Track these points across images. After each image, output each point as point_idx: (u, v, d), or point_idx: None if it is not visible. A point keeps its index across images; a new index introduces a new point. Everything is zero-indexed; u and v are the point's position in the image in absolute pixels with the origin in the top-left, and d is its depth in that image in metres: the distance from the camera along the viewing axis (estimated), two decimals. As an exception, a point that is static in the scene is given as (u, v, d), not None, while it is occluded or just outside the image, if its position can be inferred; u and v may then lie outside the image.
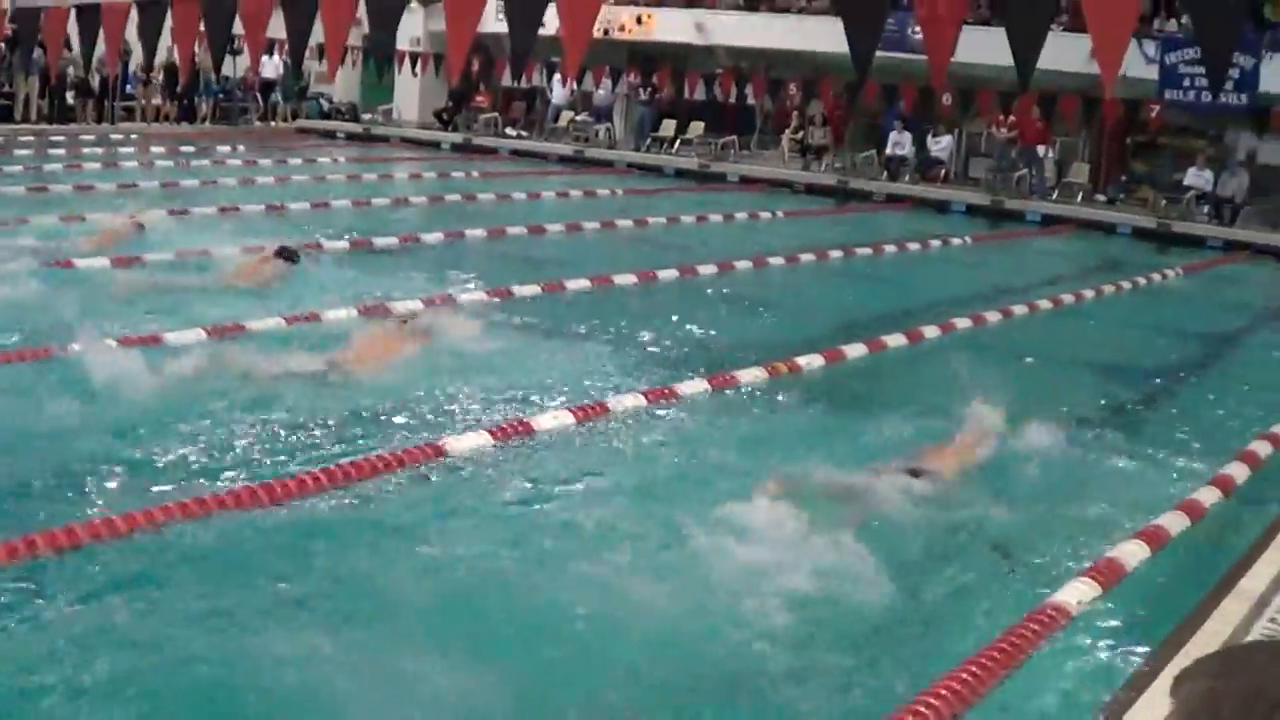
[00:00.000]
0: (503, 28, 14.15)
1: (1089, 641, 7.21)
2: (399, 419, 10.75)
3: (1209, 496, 9.88)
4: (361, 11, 12.89)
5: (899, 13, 29.96)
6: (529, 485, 9.42)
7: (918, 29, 29.97)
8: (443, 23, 36.51)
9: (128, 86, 38.90)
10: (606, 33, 37.37)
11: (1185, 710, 1.30)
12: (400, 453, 9.52)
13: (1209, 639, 6.54)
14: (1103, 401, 13.73)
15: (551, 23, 11.83)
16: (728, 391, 12.40)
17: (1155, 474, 11.05)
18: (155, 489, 8.56)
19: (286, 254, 16.05)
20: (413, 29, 39.85)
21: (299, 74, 41.33)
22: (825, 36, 33.60)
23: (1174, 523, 9.05)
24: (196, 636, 6.66)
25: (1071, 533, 9.21)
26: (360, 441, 10.01)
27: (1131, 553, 8.23)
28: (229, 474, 9.03)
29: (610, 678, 6.69)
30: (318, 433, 10.20)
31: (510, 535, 8.37)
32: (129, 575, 7.32)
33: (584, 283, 17.54)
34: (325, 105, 43.99)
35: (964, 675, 6.29)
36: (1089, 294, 20.83)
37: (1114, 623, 7.46)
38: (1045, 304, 19.27)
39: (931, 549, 8.81)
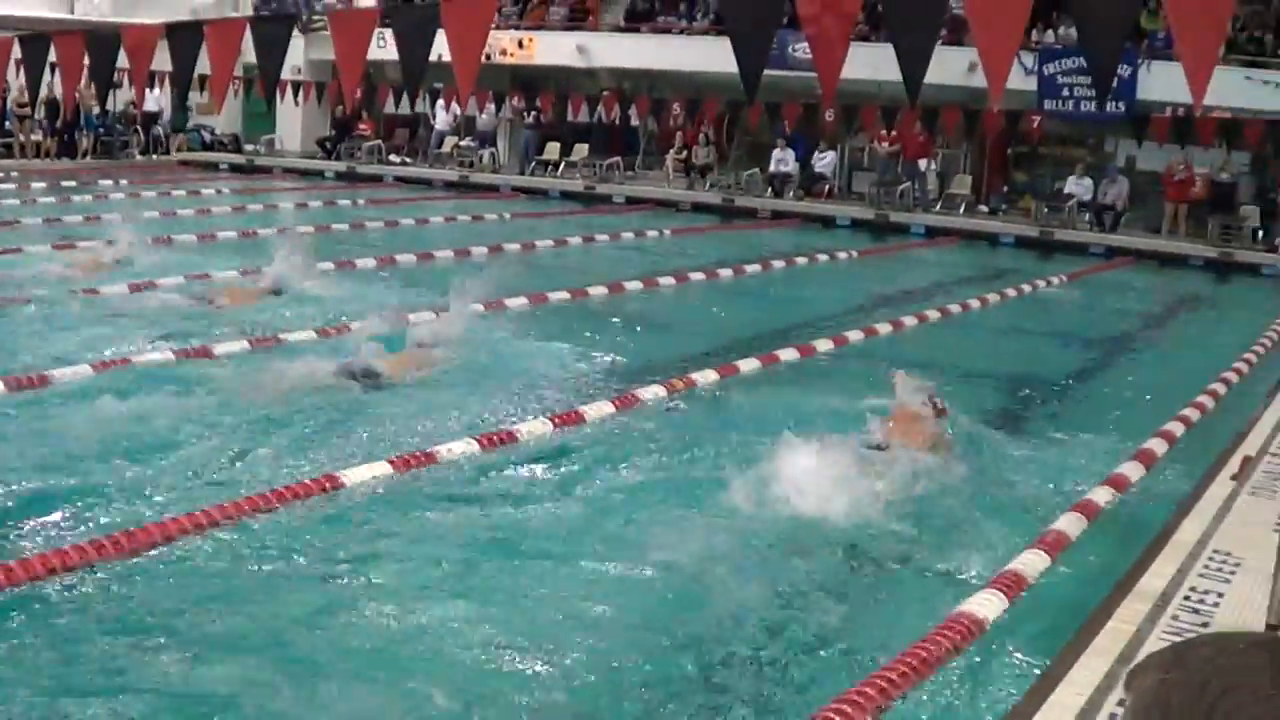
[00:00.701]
0: (385, 55, 14.12)
1: (994, 647, 7.32)
2: (290, 452, 10.65)
3: (1103, 496, 10.06)
4: (244, 41, 12.87)
5: (781, 30, 30.19)
6: (432, 517, 9.39)
7: (798, 47, 30.37)
8: (324, 51, 36.37)
9: (5, 123, 38.39)
10: (489, 57, 37.38)
11: (1138, 703, 1.37)
12: (294, 485, 9.41)
13: (1112, 639, 6.66)
14: (993, 408, 13.92)
15: (435, 48, 11.82)
16: (631, 411, 12.46)
17: (1051, 477, 11.23)
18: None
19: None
20: (294, 58, 39.63)
21: (184, 106, 41.00)
22: (707, 56, 33.98)
23: (1071, 525, 9.21)
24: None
25: (975, 540, 9.37)
26: (241, 479, 9.91)
27: (1032, 561, 8.37)
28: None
29: (538, 691, 6.73)
30: (187, 474, 10.07)
31: (396, 572, 8.33)
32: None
33: (476, 308, 17.51)
34: (207, 137, 43.57)
35: (869, 687, 6.37)
36: (975, 304, 21.10)
37: (1019, 628, 7.58)
38: (934, 314, 19.50)
39: (823, 561, 8.93)
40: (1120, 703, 1.40)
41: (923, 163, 36.38)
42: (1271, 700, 1.26)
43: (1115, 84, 27.50)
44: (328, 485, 9.47)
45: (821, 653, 7.53)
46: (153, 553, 8.09)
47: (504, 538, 8.92)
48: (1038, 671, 6.69)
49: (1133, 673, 1.40)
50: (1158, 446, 11.79)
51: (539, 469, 10.64)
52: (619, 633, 7.47)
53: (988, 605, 7.54)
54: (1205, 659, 1.35)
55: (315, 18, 37.52)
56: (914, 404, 11.66)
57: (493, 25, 14.63)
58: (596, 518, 9.45)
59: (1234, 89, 30.07)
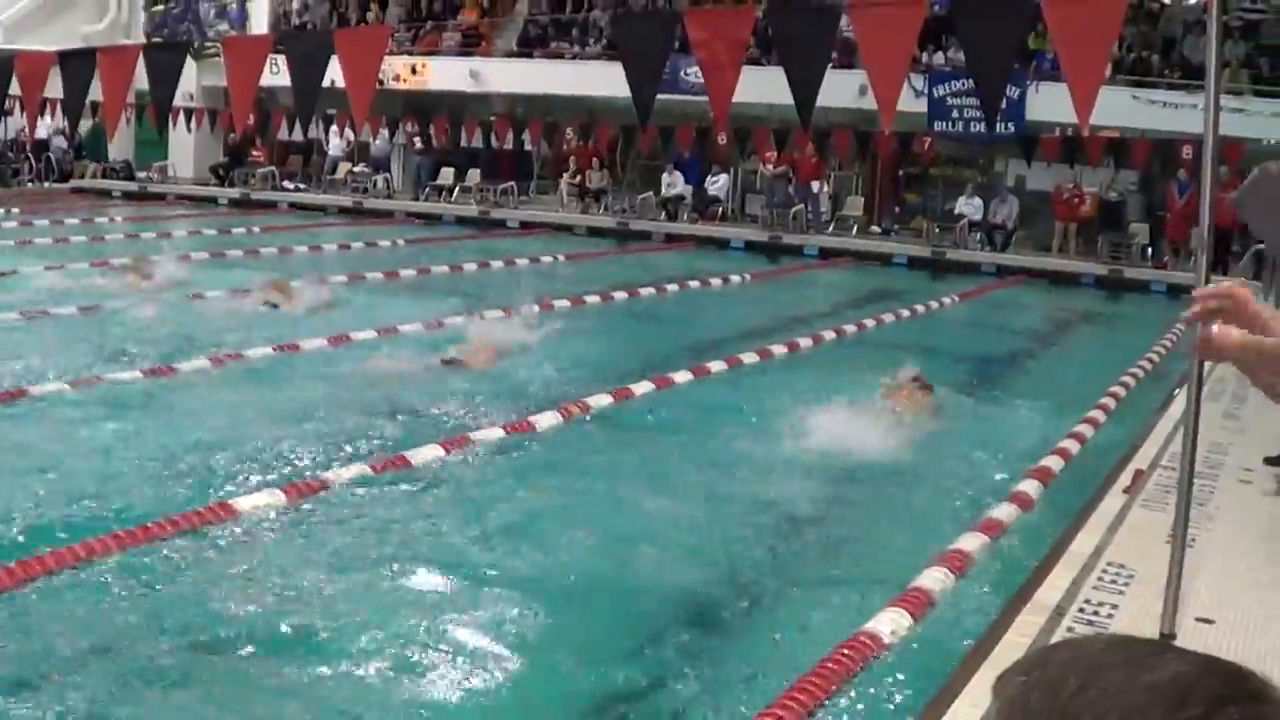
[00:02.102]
0: (278, 81, 14.11)
1: (895, 663, 7.40)
2: (168, 482, 10.58)
3: (1007, 513, 10.20)
4: (137, 68, 12.80)
5: (673, 55, 30.35)
6: (323, 545, 9.36)
7: (690, 70, 30.53)
8: (217, 78, 36.16)
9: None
10: (382, 83, 37.28)
11: (1001, 705, 1.44)
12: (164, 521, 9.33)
13: (1008, 651, 6.76)
14: (891, 433, 14.00)
15: (328, 74, 11.81)
16: (524, 436, 12.48)
17: (952, 494, 11.38)
18: None
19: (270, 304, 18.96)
20: (186, 84, 39.36)
21: (76, 133, 40.58)
22: (600, 80, 34.10)
23: (973, 543, 9.34)
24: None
25: (877, 560, 9.49)
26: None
27: (937, 579, 8.48)
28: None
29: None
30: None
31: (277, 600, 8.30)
32: None
33: (369, 334, 17.49)
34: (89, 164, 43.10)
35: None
36: (870, 323, 21.27)
37: (916, 643, 7.67)
38: (829, 335, 19.64)
39: (719, 578, 9.03)
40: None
41: (815, 185, 36.60)
42: (1122, 693, 1.33)
43: (1004, 105, 27.93)
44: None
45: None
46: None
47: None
48: (936, 687, 6.78)
49: (999, 678, 1.46)
50: (1054, 463, 11.96)
51: (417, 496, 10.63)
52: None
53: (892, 624, 7.64)
54: (1064, 660, 1.41)
55: (208, 44, 37.29)
56: (908, 380, 14.51)
57: (386, 51, 14.66)
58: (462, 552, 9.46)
59: (1121, 109, 30.66)
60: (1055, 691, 1.36)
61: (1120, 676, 1.35)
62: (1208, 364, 7.88)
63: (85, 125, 39.02)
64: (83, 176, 42.17)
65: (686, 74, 30.80)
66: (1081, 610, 7.61)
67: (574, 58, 40.39)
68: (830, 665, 6.98)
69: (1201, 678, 1.34)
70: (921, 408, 14.21)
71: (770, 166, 36.40)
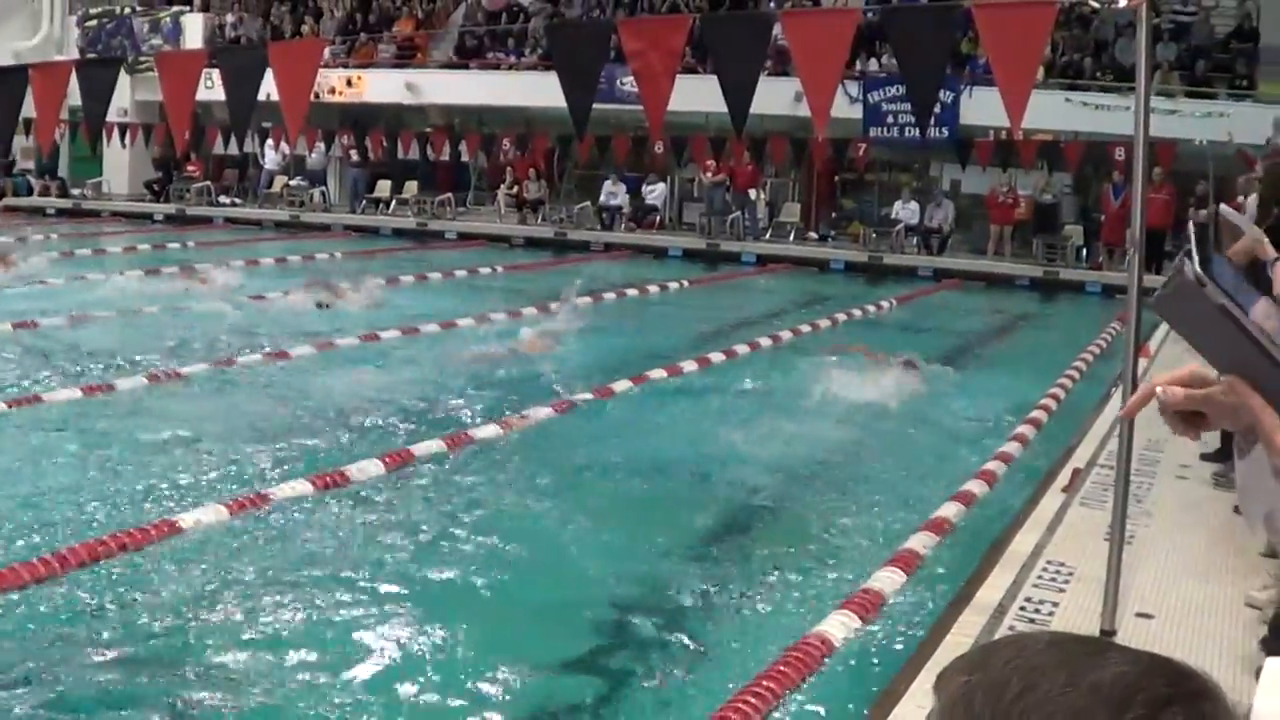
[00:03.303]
0: (213, 95, 14.04)
1: (842, 666, 7.45)
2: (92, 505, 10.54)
3: (952, 511, 10.28)
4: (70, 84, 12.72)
5: (609, 65, 30.35)
6: (268, 555, 9.35)
7: (626, 80, 30.53)
8: (151, 93, 35.89)
9: None
10: (318, 96, 37.16)
11: (944, 705, 1.46)
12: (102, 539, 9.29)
13: (951, 652, 6.79)
14: (837, 435, 14.07)
15: (263, 87, 11.77)
16: (463, 450, 12.49)
17: (898, 491, 11.49)
18: None
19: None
20: (120, 100, 39.10)
21: (7, 150, 40.25)
22: (536, 91, 34.06)
23: (921, 542, 9.42)
24: None
25: (826, 564, 9.55)
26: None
27: (888, 579, 8.55)
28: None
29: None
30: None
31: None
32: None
33: (307, 349, 17.44)
34: (33, 181, 42.81)
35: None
36: (806, 329, 21.35)
37: (862, 645, 7.72)
38: (765, 342, 19.70)
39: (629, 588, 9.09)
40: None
41: (752, 192, 36.69)
42: (1065, 695, 1.35)
43: (938, 110, 28.05)
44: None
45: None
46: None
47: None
48: (879, 688, 6.83)
49: (940, 676, 1.47)
50: (996, 466, 12.05)
51: (354, 509, 10.62)
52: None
53: (842, 627, 7.69)
54: (1006, 660, 1.42)
55: (142, 59, 37.05)
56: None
57: (321, 64, 14.64)
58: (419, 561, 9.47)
59: (1054, 112, 30.91)
60: (999, 694, 1.37)
61: (1064, 677, 1.36)
62: (1143, 362, 7.97)
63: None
64: (16, 195, 41.86)
65: (622, 83, 30.78)
66: (1023, 609, 7.69)
67: (510, 68, 40.36)
68: (781, 668, 7.03)
69: (1144, 677, 1.36)
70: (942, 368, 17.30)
71: (709, 175, 36.47)
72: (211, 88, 13.61)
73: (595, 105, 10.46)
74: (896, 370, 16.69)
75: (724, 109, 9.49)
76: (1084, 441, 12.51)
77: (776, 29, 11.25)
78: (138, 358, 16.39)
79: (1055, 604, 7.78)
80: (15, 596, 8.10)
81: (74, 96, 13.18)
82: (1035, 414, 14.51)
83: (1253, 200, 13.13)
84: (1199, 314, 1.70)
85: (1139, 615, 7.59)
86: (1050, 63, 33.20)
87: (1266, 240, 8.22)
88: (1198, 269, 1.71)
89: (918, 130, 32.12)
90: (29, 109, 13.24)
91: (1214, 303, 1.68)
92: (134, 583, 8.58)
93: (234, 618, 8.08)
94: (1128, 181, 29.65)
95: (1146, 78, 7.04)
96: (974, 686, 1.41)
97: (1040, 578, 8.27)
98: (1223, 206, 14.12)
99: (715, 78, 9.61)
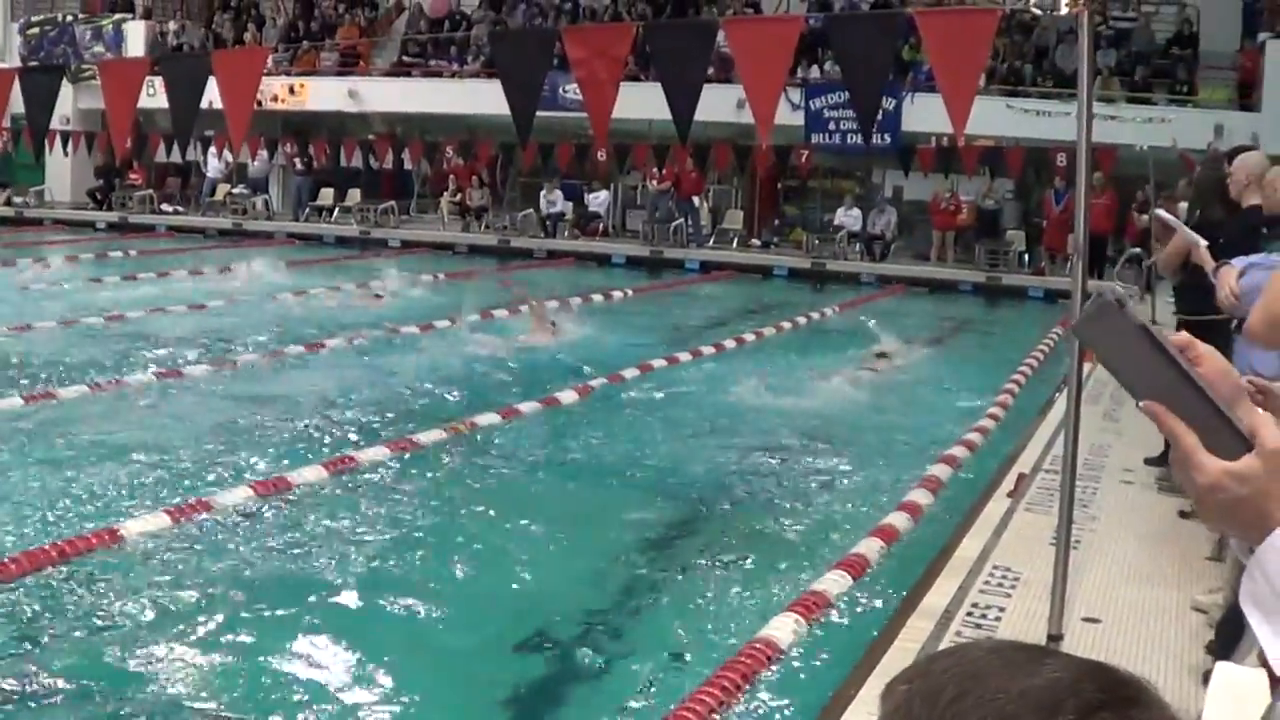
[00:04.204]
0: (156, 103, 13.93)
1: (789, 670, 7.45)
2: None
3: (900, 521, 10.31)
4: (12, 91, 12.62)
5: (551, 72, 30.32)
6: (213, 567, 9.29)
7: (569, 88, 30.55)
8: (93, 100, 35.63)
9: None
10: (260, 103, 37.02)
11: (886, 713, 1.47)
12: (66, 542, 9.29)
13: (899, 658, 6.82)
14: (778, 441, 14.09)
15: (206, 95, 11.71)
16: (408, 455, 12.48)
17: (850, 498, 11.54)
18: None
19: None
20: (63, 107, 38.80)
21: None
22: (479, 98, 34.04)
23: (870, 548, 9.44)
24: None
25: (773, 568, 9.58)
26: None
27: (834, 581, 8.58)
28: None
29: None
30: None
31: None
32: None
33: (253, 357, 17.40)
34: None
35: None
36: (750, 337, 21.40)
37: (810, 651, 7.73)
38: (708, 349, 19.73)
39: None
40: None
41: (695, 199, 36.76)
42: (995, 701, 1.36)
43: (880, 117, 28.14)
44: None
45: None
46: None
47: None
48: (826, 692, 6.84)
49: (887, 686, 1.49)
50: (941, 471, 12.09)
51: (312, 513, 10.59)
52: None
53: (786, 629, 7.71)
54: (945, 668, 1.43)
55: (84, 67, 36.80)
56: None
57: (264, 72, 14.59)
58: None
59: (996, 118, 31.08)
60: (934, 699, 1.39)
61: (997, 683, 1.37)
62: (1086, 366, 8.00)
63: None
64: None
65: (565, 90, 30.76)
66: (969, 614, 7.70)
67: (453, 76, 40.30)
68: (728, 673, 7.03)
69: (1077, 683, 1.36)
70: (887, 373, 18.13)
71: (655, 183, 36.53)
72: (154, 95, 13.54)
73: (539, 112, 10.45)
74: (842, 376, 16.76)
75: (668, 116, 9.50)
76: (1028, 446, 12.56)
77: (720, 36, 11.28)
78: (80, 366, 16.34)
79: (1002, 609, 7.80)
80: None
81: (16, 104, 13.10)
82: (980, 420, 14.58)
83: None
84: (1120, 336, 1.70)
85: (1085, 620, 7.62)
86: (991, 69, 33.35)
87: (1204, 245, 8.28)
88: (1118, 291, 1.72)
89: (860, 137, 32.24)
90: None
91: (1134, 323, 1.68)
92: (75, 592, 8.53)
93: (169, 629, 8.04)
94: (1069, 187, 29.90)
95: (1089, 83, 7.07)
96: (913, 693, 1.42)
97: (987, 583, 8.29)
98: (1158, 210, 14.28)
99: (658, 85, 9.60)
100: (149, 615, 8.21)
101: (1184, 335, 1.80)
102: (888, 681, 1.48)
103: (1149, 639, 7.43)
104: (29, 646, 7.67)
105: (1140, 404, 1.73)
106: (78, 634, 7.92)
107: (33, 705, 6.95)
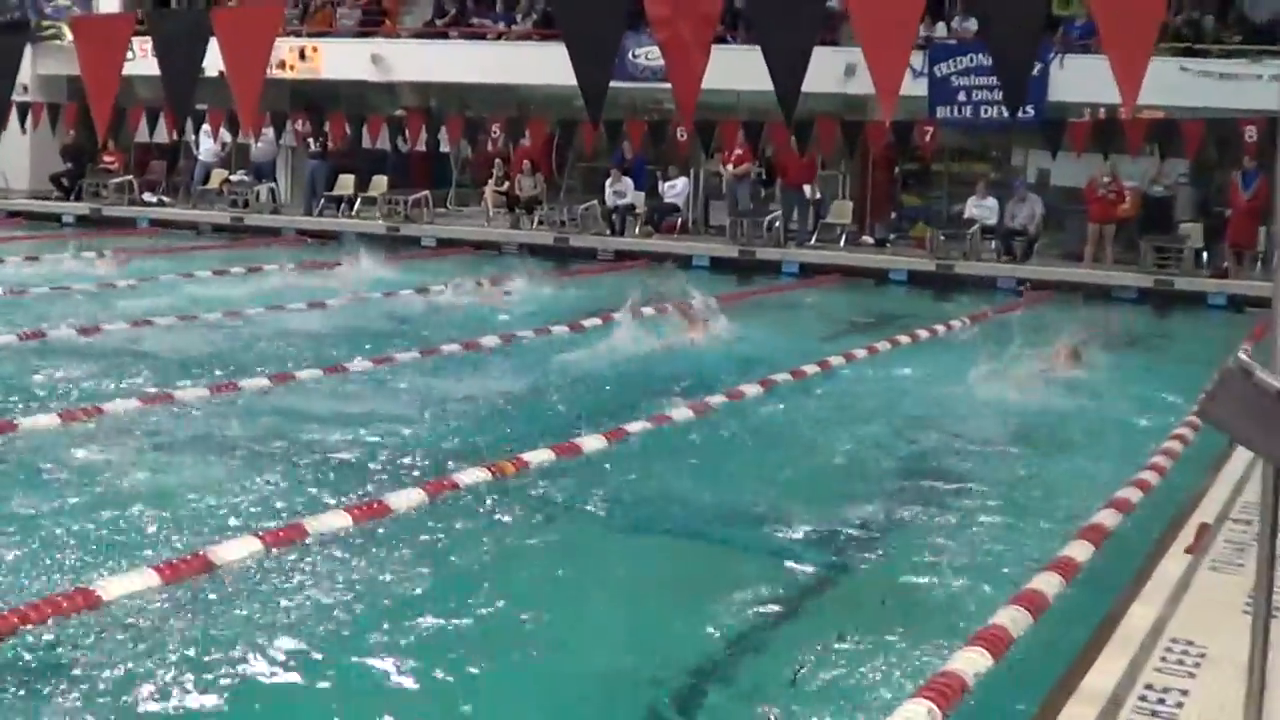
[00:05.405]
0: (137, 70, 13.98)
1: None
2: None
3: (1049, 583, 10.19)
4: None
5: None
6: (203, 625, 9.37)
7: (640, 52, 30.59)
8: (57, 65, 35.72)
9: None
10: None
11: None
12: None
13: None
14: (900, 486, 14.01)
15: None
16: (443, 499, 12.54)
17: (987, 566, 11.43)
18: None
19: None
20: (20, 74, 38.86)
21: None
22: (531, 66, 33.98)
23: (1011, 619, 9.33)
24: None
25: (894, 638, 9.54)
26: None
27: (970, 660, 8.48)
28: None
29: None
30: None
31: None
32: None
33: (262, 382, 17.44)
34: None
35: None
36: (861, 354, 21.33)
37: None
38: (812, 369, 19.69)
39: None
40: None
41: (806, 188, 36.44)
42: None
43: (1023, 84, 27.94)
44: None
45: None
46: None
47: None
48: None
49: None
50: (1109, 519, 11.95)
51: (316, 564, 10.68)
52: None
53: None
54: None
55: (46, 24, 36.91)
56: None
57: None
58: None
59: (1167, 84, 30.13)
60: None
61: None
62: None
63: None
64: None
65: (636, 56, 30.81)
66: (1143, 699, 7.61)
67: (500, 37, 40.23)
68: None
69: None
70: (1075, 370, 20.16)
71: (731, 166, 36.25)
72: (134, 59, 13.55)
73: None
74: (982, 404, 16.71)
75: (759, 86, 9.45)
76: (1210, 490, 12.42)
77: (830, -11, 11.25)
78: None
79: (1184, 692, 7.70)
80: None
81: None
82: (1154, 458, 14.41)
83: None
84: (1252, 406, 1.69)
85: (1293, 708, 7.53)
86: (1163, 24, 32.91)
87: None
88: (1244, 359, 1.70)
89: (997, 109, 31.95)
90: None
91: (1272, 390, 1.66)
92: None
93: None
94: (1261, 168, 29.59)
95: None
96: None
97: (1164, 660, 8.20)
98: None
99: (748, 49, 9.59)
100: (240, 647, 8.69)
101: None
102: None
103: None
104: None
105: None
106: (190, 652, 8.56)
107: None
